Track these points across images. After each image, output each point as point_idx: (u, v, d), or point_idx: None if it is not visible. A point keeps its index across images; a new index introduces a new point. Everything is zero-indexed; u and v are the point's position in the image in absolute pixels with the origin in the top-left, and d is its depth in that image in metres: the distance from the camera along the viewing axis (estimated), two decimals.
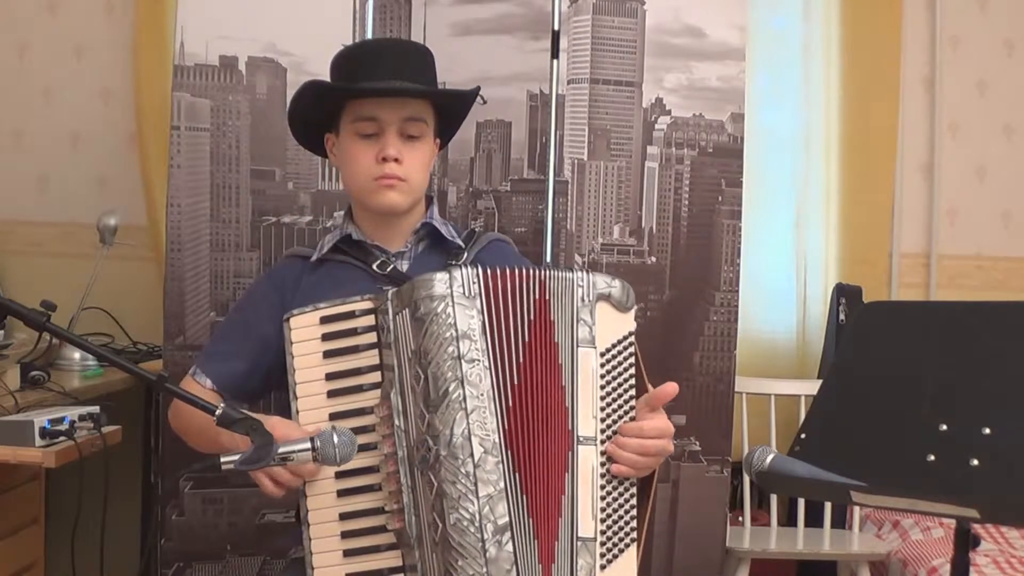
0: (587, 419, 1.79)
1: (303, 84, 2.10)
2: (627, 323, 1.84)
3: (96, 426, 2.37)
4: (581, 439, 1.79)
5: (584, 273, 1.84)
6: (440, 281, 1.77)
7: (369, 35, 2.89)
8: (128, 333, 3.29)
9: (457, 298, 1.76)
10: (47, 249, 3.61)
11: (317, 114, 2.09)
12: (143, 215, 3.51)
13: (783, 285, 3.68)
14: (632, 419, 1.82)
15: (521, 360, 1.78)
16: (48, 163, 3.64)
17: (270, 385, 1.99)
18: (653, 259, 2.96)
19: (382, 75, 2.01)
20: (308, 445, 1.66)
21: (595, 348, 1.81)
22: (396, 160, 2.01)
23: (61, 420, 2.29)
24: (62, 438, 2.28)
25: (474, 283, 1.78)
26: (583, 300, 1.82)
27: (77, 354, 3.05)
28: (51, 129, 3.63)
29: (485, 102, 2.83)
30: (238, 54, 2.87)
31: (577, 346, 1.81)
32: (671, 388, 1.82)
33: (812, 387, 3.07)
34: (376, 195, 2.03)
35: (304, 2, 2.87)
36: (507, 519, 1.71)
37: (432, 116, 2.08)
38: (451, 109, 2.14)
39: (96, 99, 3.62)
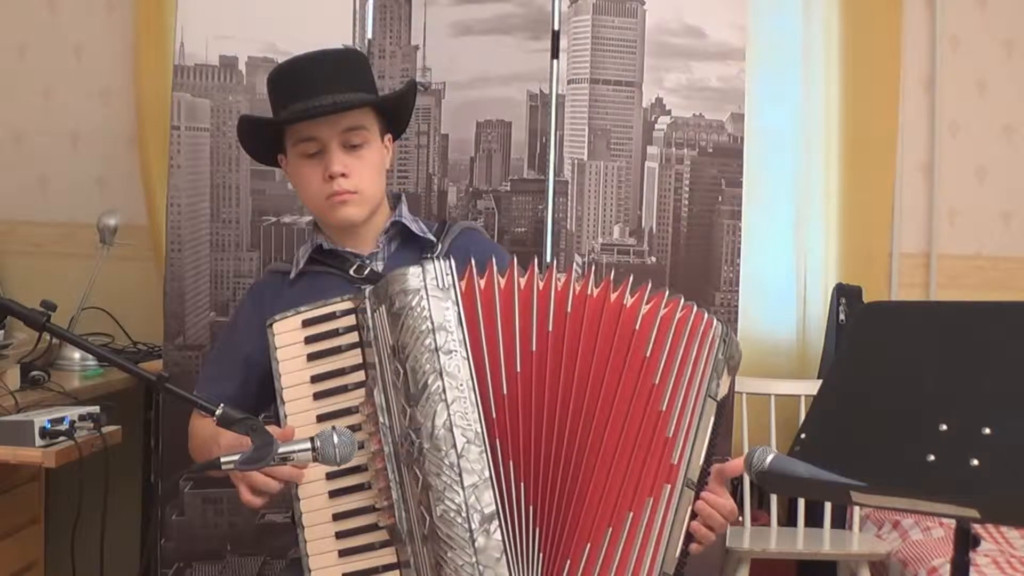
0: (696, 465, 1.81)
1: (238, 119, 2.13)
2: (728, 385, 1.88)
3: (96, 426, 2.37)
4: (688, 481, 1.80)
5: (725, 327, 1.87)
6: (413, 275, 1.77)
7: (369, 35, 2.89)
8: (128, 333, 3.29)
9: (431, 290, 1.76)
10: (47, 249, 3.61)
11: (264, 141, 2.11)
12: (143, 215, 3.51)
13: (783, 285, 3.67)
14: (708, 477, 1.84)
15: (533, 349, 1.77)
16: (48, 163, 3.63)
17: (265, 400, 1.98)
18: (653, 259, 2.96)
19: (312, 93, 2.01)
20: (308, 445, 1.66)
21: (716, 401, 1.84)
22: (343, 175, 2.01)
23: (61, 420, 2.29)
24: (62, 438, 2.28)
25: (447, 274, 1.78)
26: (722, 354, 1.86)
27: (77, 354, 3.05)
28: (51, 129, 3.63)
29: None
30: (238, 54, 2.87)
31: (708, 395, 1.83)
32: (739, 465, 1.85)
33: (812, 387, 3.07)
34: (332, 212, 2.05)
35: (304, 2, 2.87)
36: (494, 507, 1.71)
37: (374, 119, 2.08)
38: (393, 107, 2.15)
39: (96, 99, 3.62)
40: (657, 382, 1.80)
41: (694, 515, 1.81)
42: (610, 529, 1.76)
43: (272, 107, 2.10)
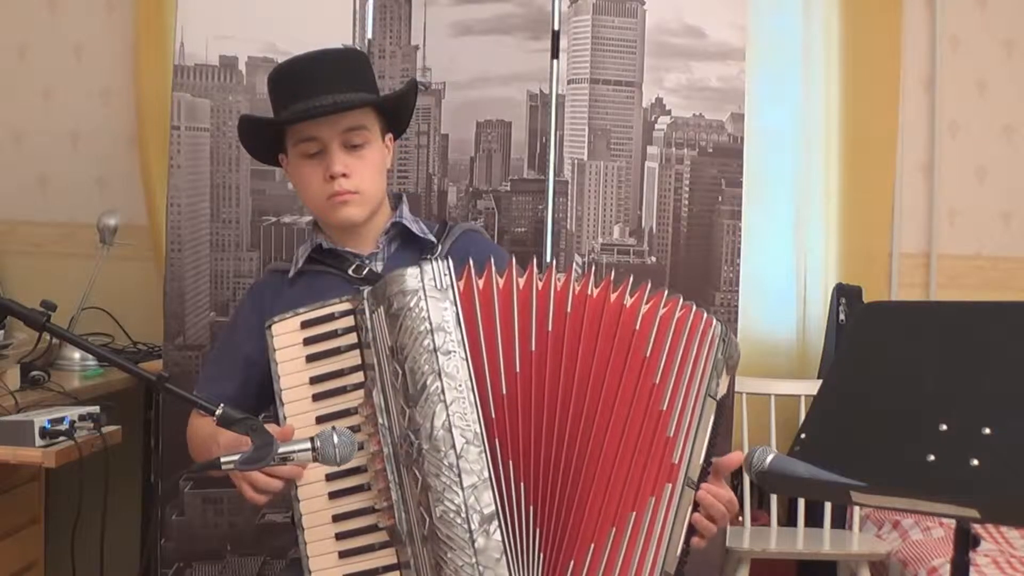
0: (696, 464, 1.81)
1: (239, 119, 2.13)
2: (727, 385, 1.87)
3: (96, 426, 2.37)
4: (689, 480, 1.80)
5: (724, 326, 1.87)
6: (411, 276, 1.77)
7: (369, 35, 2.89)
8: (128, 333, 3.29)
9: (429, 291, 1.76)
10: (47, 249, 3.61)
11: (265, 141, 2.11)
12: (143, 215, 3.51)
13: (783, 285, 3.68)
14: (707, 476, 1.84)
15: (533, 349, 1.77)
16: (48, 163, 3.63)
17: (265, 400, 1.97)
18: (653, 259, 2.96)
19: (313, 93, 2.01)
20: (308, 445, 1.66)
21: (716, 401, 1.84)
22: (344, 175, 2.01)
23: (61, 420, 2.29)
24: (62, 438, 2.28)
25: (445, 275, 1.77)
26: (721, 353, 1.85)
27: (77, 354, 3.05)
28: (51, 129, 3.63)
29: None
30: (238, 54, 2.87)
31: (708, 394, 1.83)
32: (738, 459, 1.86)
33: (812, 387, 3.07)
34: (332, 212, 2.05)
35: (304, 2, 2.87)
36: (493, 508, 1.70)
37: (375, 119, 2.08)
38: (394, 107, 2.14)
39: (96, 99, 3.62)
40: (657, 382, 1.79)
41: (696, 507, 1.81)
42: (613, 530, 1.76)
43: (273, 107, 2.10)
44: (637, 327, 1.80)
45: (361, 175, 2.04)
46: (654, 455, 1.78)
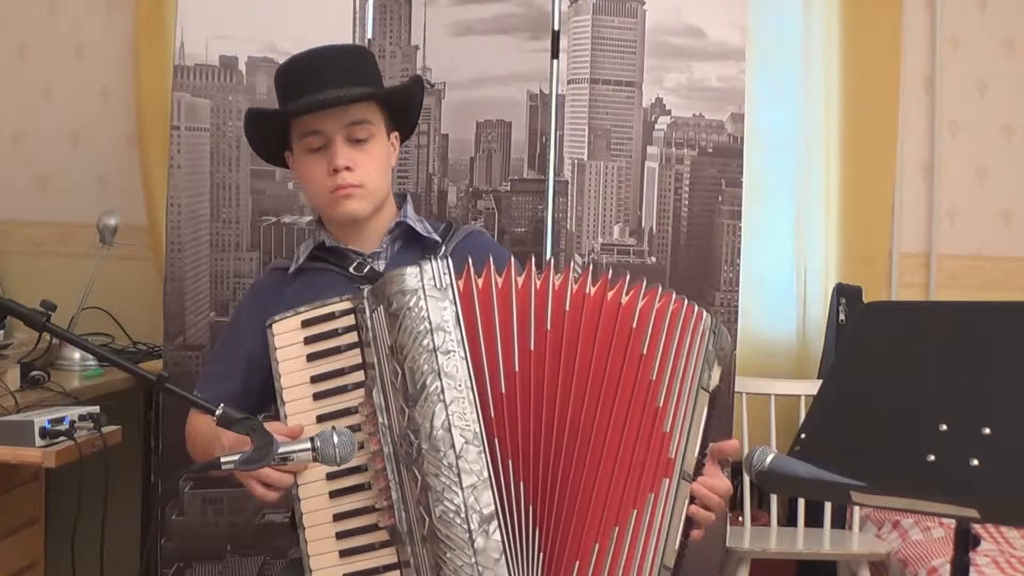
0: (691, 457, 1.81)
1: (246, 112, 2.12)
2: (719, 376, 1.87)
3: (96, 426, 2.37)
4: (685, 474, 1.80)
5: (715, 318, 1.87)
6: (411, 275, 1.76)
7: (369, 35, 2.89)
8: (128, 333, 3.29)
9: (429, 291, 1.75)
10: (47, 249, 3.61)
11: (270, 139, 2.11)
12: (143, 215, 3.51)
13: (783, 285, 3.67)
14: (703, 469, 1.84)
15: (532, 348, 1.77)
16: (48, 163, 3.63)
17: (268, 398, 1.97)
18: (653, 259, 2.96)
19: (317, 87, 2.01)
20: (308, 445, 1.66)
21: (709, 393, 1.84)
22: (348, 169, 2.01)
23: (61, 420, 2.29)
24: (62, 438, 2.28)
25: (444, 274, 1.77)
26: (712, 345, 1.85)
27: (77, 354, 3.05)
28: (51, 129, 3.63)
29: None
30: (238, 54, 2.88)
31: (699, 386, 1.83)
32: (734, 446, 1.86)
33: (812, 387, 3.07)
34: (336, 206, 2.04)
35: (304, 2, 2.88)
36: (493, 508, 1.70)
37: (379, 114, 2.08)
38: (399, 103, 2.14)
39: (96, 99, 3.62)
40: (654, 378, 1.80)
41: (692, 499, 1.82)
42: (616, 528, 1.76)
43: (279, 103, 2.10)
44: (634, 324, 1.80)
45: (365, 169, 2.03)
46: (652, 451, 1.79)
